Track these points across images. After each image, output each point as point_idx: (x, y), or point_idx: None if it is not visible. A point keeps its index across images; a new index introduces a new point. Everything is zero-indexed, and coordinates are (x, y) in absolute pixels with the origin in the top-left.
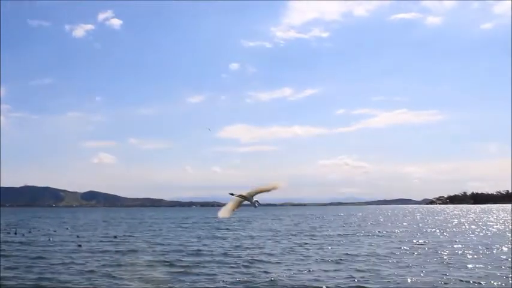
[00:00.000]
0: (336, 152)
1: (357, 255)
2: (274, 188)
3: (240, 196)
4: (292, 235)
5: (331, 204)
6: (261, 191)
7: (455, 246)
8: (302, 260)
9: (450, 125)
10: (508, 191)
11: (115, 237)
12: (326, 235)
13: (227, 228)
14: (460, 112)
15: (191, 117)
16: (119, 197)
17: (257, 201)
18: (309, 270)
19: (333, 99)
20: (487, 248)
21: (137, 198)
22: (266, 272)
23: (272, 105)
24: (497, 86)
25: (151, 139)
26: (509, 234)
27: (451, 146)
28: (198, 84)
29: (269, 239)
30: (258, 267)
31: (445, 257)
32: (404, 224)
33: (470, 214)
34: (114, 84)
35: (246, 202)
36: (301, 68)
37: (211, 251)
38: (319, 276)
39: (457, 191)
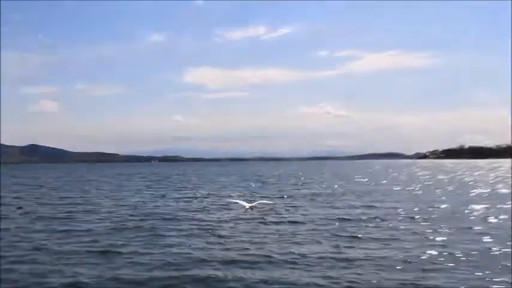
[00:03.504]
0: (316, 99)
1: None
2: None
3: (250, 208)
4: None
5: (310, 158)
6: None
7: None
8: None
9: (446, 69)
10: (508, 145)
11: (60, 198)
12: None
13: (187, 187)
14: (458, 55)
15: (150, 58)
16: (66, 151)
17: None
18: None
19: (313, 38)
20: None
21: (86, 153)
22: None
23: (243, 46)
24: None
25: (102, 84)
26: None
27: (446, 93)
28: (158, 21)
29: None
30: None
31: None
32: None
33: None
34: (61, 21)
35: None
36: (277, 2)
37: (164, 213)
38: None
39: (452, 143)
